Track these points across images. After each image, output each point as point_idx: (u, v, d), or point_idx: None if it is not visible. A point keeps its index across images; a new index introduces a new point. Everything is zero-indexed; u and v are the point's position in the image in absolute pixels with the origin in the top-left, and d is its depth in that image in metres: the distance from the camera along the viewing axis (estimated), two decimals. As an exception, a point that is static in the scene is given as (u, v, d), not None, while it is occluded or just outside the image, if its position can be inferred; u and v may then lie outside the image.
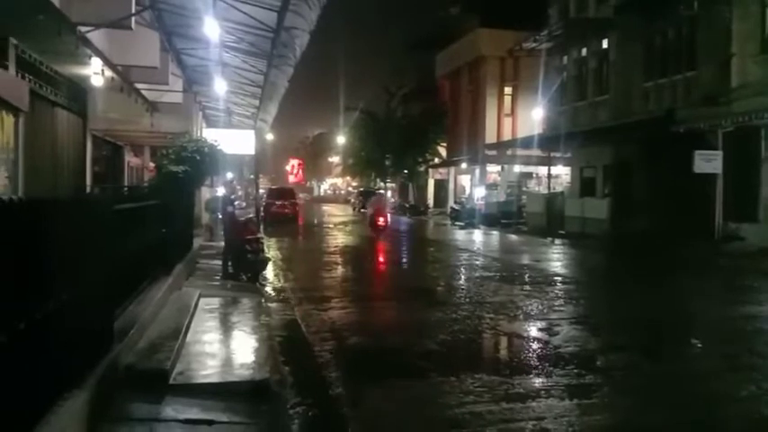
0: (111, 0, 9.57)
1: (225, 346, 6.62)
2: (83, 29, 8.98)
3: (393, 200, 48.88)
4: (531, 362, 6.38)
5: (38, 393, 3.33)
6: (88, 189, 11.63)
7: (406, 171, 43.59)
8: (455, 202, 34.96)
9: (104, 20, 9.56)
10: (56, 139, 10.28)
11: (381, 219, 20.91)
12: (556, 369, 6.03)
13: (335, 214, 42.70)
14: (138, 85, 13.55)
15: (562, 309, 9.27)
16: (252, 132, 24.27)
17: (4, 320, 2.93)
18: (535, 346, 7.13)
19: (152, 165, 16.62)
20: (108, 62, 10.30)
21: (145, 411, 4.42)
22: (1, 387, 2.88)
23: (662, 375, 6.08)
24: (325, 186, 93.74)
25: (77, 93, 11.03)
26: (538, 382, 5.68)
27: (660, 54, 20.06)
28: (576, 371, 5.98)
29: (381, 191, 49.05)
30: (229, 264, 11.17)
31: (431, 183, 44.52)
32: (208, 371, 5.44)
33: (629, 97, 21.22)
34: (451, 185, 40.82)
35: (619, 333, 7.93)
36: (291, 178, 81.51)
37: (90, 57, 9.56)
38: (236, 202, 13.74)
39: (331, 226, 30.22)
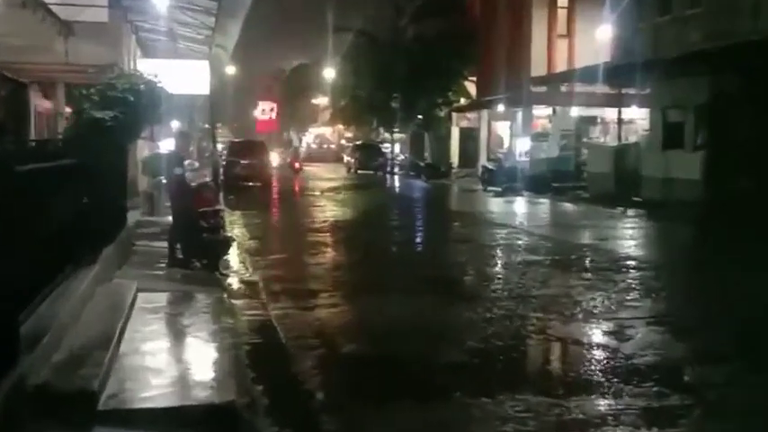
0: None
1: (173, 358, 6.67)
2: None
3: (402, 156, 48.93)
4: (595, 377, 6.41)
5: None
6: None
7: (420, 117, 43.36)
8: (489, 160, 34.85)
9: None
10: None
11: (296, 164, 43.62)
12: (628, 387, 6.07)
13: (323, 177, 42.67)
14: (47, -1, 13.46)
15: (637, 304, 9.31)
16: (206, 64, 24.18)
17: None
18: (599, 355, 7.16)
19: (68, 110, 16.58)
20: (3, -34, 10.21)
21: (65, 447, 4.47)
22: None
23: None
24: (309, 139, 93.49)
25: (-38, 10, 10.97)
26: (603, 404, 5.73)
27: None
28: (655, 389, 6.03)
29: (386, 145, 49.07)
30: (178, 246, 11.20)
31: (455, 133, 44.32)
32: (150, 392, 5.49)
33: (731, 10, 20.94)
34: (484, 136, 40.62)
35: (713, 337, 7.94)
36: (260, 115, 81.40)
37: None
38: (186, 162, 13.73)
39: (317, 193, 30.23)
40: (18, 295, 5.19)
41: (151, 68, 16.67)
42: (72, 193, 7.88)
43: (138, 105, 12.53)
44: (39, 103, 16.66)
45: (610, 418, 5.44)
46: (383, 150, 49.02)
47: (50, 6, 13.56)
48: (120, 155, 12.25)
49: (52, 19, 13.49)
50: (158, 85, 13.38)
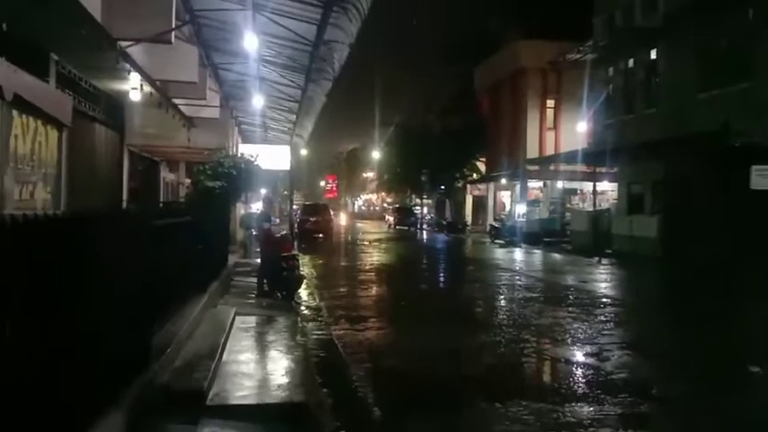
0: (151, 15, 9.82)
1: (261, 366, 6.62)
2: (123, 44, 9.21)
3: (429, 216, 49.01)
4: (582, 389, 6.20)
5: (74, 410, 3.36)
6: (124, 204, 11.88)
7: (443, 187, 43.46)
8: (495, 220, 34.65)
9: (145, 35, 9.80)
10: (94, 155, 10.55)
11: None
12: (608, 397, 5.86)
13: (370, 231, 42.80)
14: (176, 101, 13.84)
15: (612, 333, 9.03)
16: (287, 148, 24.59)
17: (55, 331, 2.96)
18: (585, 371, 6.93)
19: (188, 180, 16.91)
20: (147, 77, 10.53)
21: (181, 433, 4.43)
22: (40, 402, 2.91)
23: (722, 404, 5.83)
24: (360, 202, 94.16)
25: (115, 108, 11.30)
26: (590, 410, 5.50)
27: (714, 64, 19.56)
28: (630, 399, 5.80)
29: (417, 208, 49.25)
30: (264, 281, 11.24)
31: (469, 199, 44.26)
32: (244, 392, 5.45)
33: (680, 110, 20.74)
34: (491, 202, 40.52)
35: (674, 359, 7.66)
36: (326, 186, 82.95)
37: (129, 72, 9.78)
38: (271, 219, 13.87)
39: (366, 243, 30.24)
40: (150, 316, 5.22)
41: (248, 151, 17.01)
42: (189, 241, 7.97)
43: (239, 178, 12.74)
44: (166, 175, 17.00)
45: (595, 421, 5.23)
46: (415, 212, 49.00)
47: (179, 106, 13.93)
48: (224, 214, 12.45)
49: (179, 115, 13.84)
50: (254, 163, 13.59)
